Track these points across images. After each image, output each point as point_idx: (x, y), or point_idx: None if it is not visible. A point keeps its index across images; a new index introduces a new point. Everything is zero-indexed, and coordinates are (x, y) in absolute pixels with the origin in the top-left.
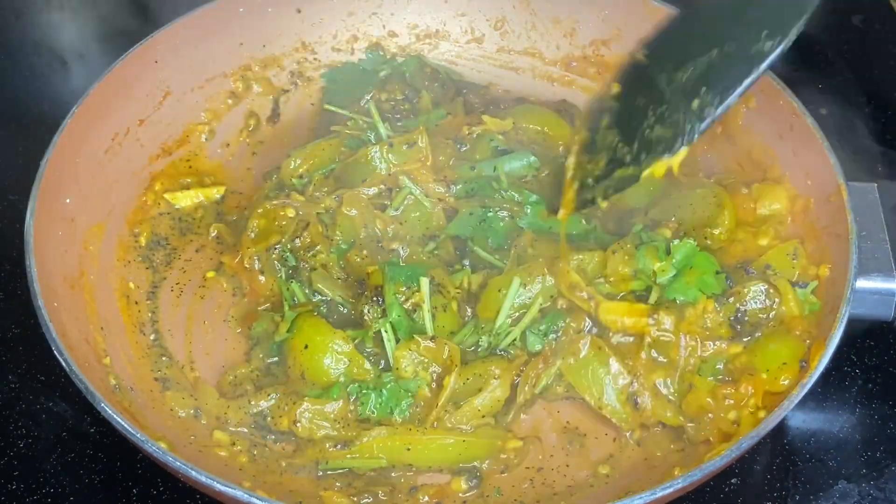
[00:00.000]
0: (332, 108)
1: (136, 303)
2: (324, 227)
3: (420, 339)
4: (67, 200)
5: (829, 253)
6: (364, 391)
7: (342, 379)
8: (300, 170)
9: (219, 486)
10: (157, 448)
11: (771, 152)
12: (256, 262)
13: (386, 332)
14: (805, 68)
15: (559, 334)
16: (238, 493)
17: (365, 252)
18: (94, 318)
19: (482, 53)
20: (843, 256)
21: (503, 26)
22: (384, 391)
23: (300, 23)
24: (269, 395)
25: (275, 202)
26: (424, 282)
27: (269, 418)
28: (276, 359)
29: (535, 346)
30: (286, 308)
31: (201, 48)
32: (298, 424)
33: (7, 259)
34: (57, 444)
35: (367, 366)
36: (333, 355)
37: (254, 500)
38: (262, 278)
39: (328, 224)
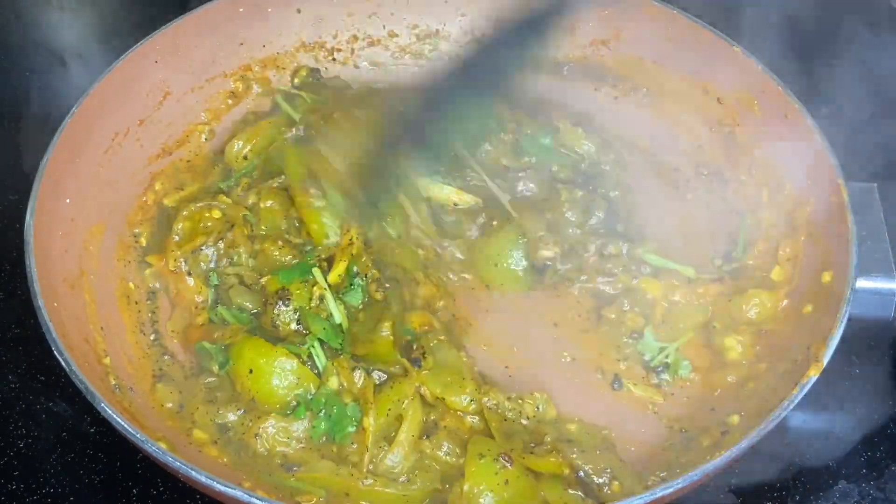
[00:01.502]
0: (281, 87)
1: (136, 303)
2: (249, 228)
3: (343, 363)
4: (67, 200)
5: (829, 253)
6: (318, 414)
7: (298, 394)
8: (244, 150)
9: (219, 486)
10: (157, 448)
11: (771, 152)
12: (183, 264)
13: (313, 348)
14: (805, 67)
15: None
16: (238, 493)
17: (280, 243)
18: (94, 318)
19: None
20: (843, 256)
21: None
22: (331, 415)
23: (300, 23)
24: (238, 408)
25: (200, 205)
26: (318, 272)
27: (230, 432)
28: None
29: None
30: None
31: (201, 48)
32: (258, 438)
33: (7, 259)
34: (57, 444)
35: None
36: (280, 374)
37: (254, 500)
38: (189, 280)
39: (254, 223)
